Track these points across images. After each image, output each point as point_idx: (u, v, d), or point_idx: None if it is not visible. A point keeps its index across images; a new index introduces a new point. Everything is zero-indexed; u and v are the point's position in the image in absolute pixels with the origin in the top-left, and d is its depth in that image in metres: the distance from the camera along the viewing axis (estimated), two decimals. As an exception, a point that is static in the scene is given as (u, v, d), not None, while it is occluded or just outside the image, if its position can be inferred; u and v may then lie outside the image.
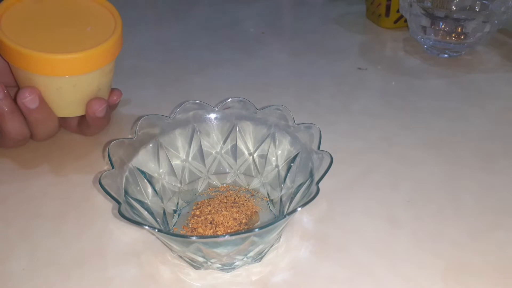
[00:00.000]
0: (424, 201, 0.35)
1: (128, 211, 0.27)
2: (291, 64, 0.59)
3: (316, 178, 0.28)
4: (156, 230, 0.25)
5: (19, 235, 0.33)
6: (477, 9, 0.59)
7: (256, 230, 0.25)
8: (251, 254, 0.29)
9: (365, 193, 0.36)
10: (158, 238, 0.32)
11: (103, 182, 0.27)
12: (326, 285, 0.29)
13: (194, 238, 0.25)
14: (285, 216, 0.25)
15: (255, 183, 0.36)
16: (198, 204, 0.34)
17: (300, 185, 0.31)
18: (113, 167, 0.29)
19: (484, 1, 0.59)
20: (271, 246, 0.31)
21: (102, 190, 0.27)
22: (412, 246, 0.31)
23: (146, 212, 0.30)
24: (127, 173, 0.31)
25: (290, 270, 0.30)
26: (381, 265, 0.30)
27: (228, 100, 0.35)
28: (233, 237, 0.25)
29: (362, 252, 0.31)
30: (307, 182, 0.30)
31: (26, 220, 0.34)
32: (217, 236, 0.28)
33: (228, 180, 0.37)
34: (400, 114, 0.47)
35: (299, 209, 0.25)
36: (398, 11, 0.64)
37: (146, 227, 0.25)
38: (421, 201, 0.35)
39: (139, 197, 0.31)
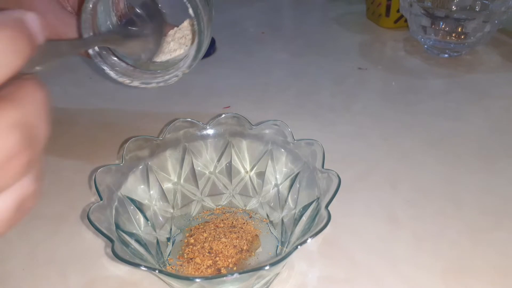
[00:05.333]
0: (424, 201, 0.35)
1: (123, 250, 0.25)
2: (291, 64, 0.59)
3: (324, 200, 0.26)
4: (157, 271, 0.23)
5: (19, 235, 0.33)
6: (477, 9, 0.59)
7: (267, 267, 0.22)
8: (257, 286, 0.27)
9: (365, 193, 0.36)
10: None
11: (92, 217, 0.25)
12: (326, 285, 0.29)
13: (198, 280, 0.22)
14: (297, 247, 0.23)
15: (252, 204, 0.34)
16: (191, 231, 0.31)
17: (305, 207, 0.29)
18: (101, 199, 0.27)
19: (485, 1, 0.59)
20: (277, 274, 0.29)
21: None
22: (412, 246, 0.31)
23: (138, 244, 0.28)
24: (116, 203, 0.28)
25: (290, 269, 0.30)
26: (381, 265, 0.30)
27: (222, 116, 0.33)
28: (243, 275, 0.22)
29: (362, 252, 0.31)
30: (313, 204, 0.28)
31: (26, 220, 0.34)
32: (225, 275, 0.24)
33: (224, 201, 0.35)
34: (400, 114, 0.47)
35: (309, 240, 0.23)
36: (398, 11, 0.64)
37: (144, 268, 0.23)
38: (421, 201, 0.35)
39: (131, 228, 0.28)
